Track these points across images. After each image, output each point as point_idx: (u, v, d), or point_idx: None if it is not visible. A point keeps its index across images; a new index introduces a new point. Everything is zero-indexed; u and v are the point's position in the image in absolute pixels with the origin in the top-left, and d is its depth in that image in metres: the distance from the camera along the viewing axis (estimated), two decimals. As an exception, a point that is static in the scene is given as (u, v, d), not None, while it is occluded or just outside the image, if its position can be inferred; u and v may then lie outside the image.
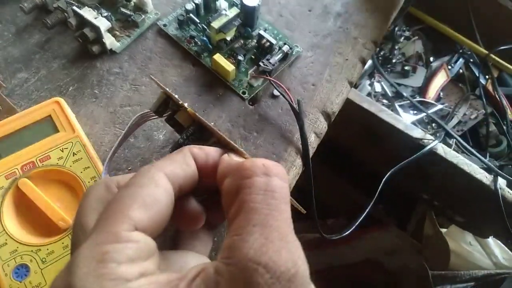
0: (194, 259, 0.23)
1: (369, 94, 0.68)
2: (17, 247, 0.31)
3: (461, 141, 0.59)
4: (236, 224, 0.17)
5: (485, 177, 0.59)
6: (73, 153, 0.33)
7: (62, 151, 0.33)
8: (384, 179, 0.50)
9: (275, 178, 0.18)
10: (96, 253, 0.16)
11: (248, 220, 0.17)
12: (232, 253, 0.16)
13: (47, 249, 0.31)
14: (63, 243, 0.31)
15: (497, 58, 0.76)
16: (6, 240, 0.31)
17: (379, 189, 0.49)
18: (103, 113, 0.38)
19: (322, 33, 0.46)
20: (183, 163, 0.21)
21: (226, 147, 0.24)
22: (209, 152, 0.22)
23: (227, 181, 0.19)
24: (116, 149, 0.32)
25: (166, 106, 0.29)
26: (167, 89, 0.28)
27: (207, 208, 0.24)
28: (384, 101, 0.69)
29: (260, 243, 0.16)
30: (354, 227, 0.45)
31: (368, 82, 0.71)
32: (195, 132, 0.27)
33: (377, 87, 0.70)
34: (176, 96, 0.28)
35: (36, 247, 0.31)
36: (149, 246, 0.18)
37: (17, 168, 0.33)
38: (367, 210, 0.46)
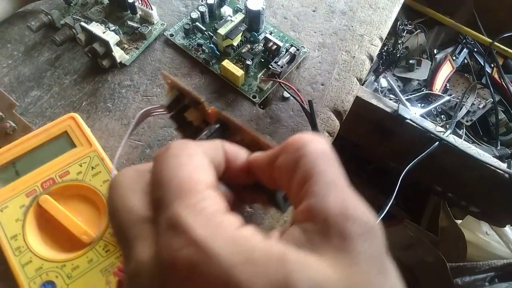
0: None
1: (375, 90, 0.68)
2: (42, 264, 0.31)
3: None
4: (305, 192, 0.17)
5: (499, 166, 0.59)
6: (92, 167, 0.34)
7: (81, 166, 0.34)
8: (401, 177, 0.50)
9: (327, 146, 0.19)
10: (196, 211, 0.16)
11: (319, 183, 0.17)
12: (315, 214, 0.16)
13: (72, 264, 0.31)
14: (87, 257, 0.31)
15: (501, 46, 0.76)
16: (30, 258, 0.31)
17: (397, 187, 0.48)
18: (117, 125, 0.39)
19: (328, 32, 0.46)
20: (214, 150, 0.21)
21: (254, 145, 0.23)
22: (240, 150, 0.22)
23: (281, 159, 0.19)
24: (124, 144, 0.31)
25: (178, 103, 0.28)
26: (184, 85, 0.27)
27: None
28: (391, 96, 0.69)
29: (341, 199, 0.16)
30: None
31: (373, 78, 0.71)
32: (216, 131, 0.25)
33: (383, 83, 0.70)
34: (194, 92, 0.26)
35: (61, 263, 0.31)
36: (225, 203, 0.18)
37: (37, 186, 0.33)
38: (387, 208, 0.46)
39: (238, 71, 0.40)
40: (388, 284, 0.15)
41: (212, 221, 0.15)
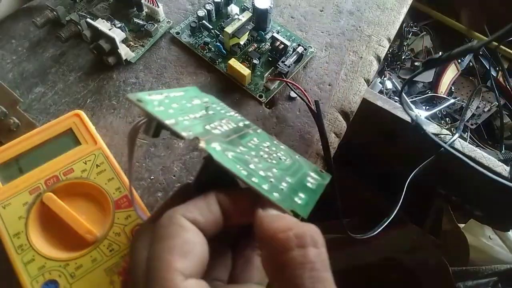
0: None
1: (380, 92, 0.68)
2: (45, 263, 0.30)
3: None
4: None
5: (504, 170, 0.58)
6: (96, 165, 0.33)
7: (85, 164, 0.33)
8: (407, 182, 0.50)
9: (310, 248, 0.18)
10: None
11: None
12: None
13: (76, 263, 0.30)
14: (91, 256, 0.31)
15: (507, 49, 0.76)
16: (33, 256, 0.30)
17: (403, 194, 0.48)
18: (122, 123, 0.38)
19: (335, 32, 0.46)
20: (206, 210, 0.21)
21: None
22: (237, 200, 0.22)
23: (263, 254, 0.20)
24: (130, 166, 0.26)
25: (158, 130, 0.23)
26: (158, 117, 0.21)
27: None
28: (396, 98, 0.69)
29: None
30: (380, 228, 0.44)
31: (379, 80, 0.70)
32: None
33: (388, 85, 0.69)
34: (175, 128, 0.21)
35: (64, 262, 0.30)
36: None
37: (40, 183, 0.33)
38: (392, 215, 0.46)
39: (245, 70, 0.40)
40: None
41: None
